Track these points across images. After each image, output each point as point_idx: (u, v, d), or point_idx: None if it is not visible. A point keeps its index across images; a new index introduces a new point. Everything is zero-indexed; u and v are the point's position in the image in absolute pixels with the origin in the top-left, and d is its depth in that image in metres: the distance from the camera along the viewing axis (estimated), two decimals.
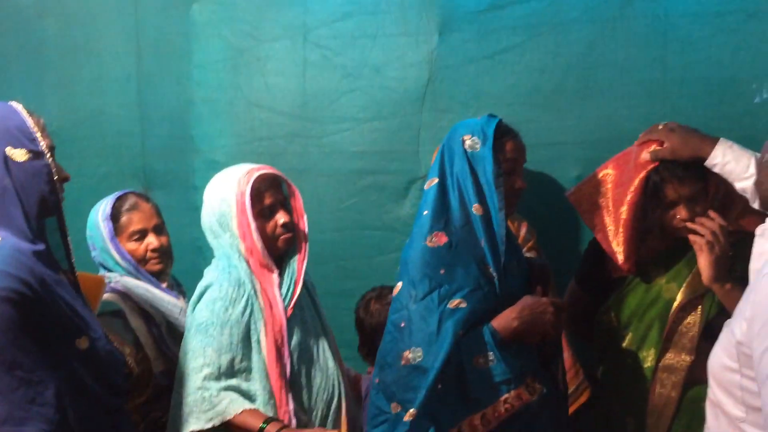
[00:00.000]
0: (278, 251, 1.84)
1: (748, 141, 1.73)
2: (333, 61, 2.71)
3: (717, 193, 1.73)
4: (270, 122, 2.74)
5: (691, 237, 1.67)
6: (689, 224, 1.68)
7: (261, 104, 2.75)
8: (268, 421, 1.66)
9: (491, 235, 1.61)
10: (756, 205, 1.57)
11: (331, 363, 1.86)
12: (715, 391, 1.18)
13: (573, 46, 2.62)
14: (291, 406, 1.73)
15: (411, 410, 1.51)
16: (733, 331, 1.11)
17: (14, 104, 1.50)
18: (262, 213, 1.80)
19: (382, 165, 2.74)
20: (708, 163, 1.65)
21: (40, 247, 1.39)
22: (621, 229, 1.76)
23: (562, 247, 2.42)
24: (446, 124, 2.69)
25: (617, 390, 1.85)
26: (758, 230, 1.26)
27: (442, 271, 1.59)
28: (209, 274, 1.82)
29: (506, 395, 1.55)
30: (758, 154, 1.55)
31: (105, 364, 1.48)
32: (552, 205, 2.40)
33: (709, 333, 1.67)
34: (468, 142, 1.66)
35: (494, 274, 1.61)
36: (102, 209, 2.01)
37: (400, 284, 1.63)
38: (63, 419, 1.32)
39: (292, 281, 1.82)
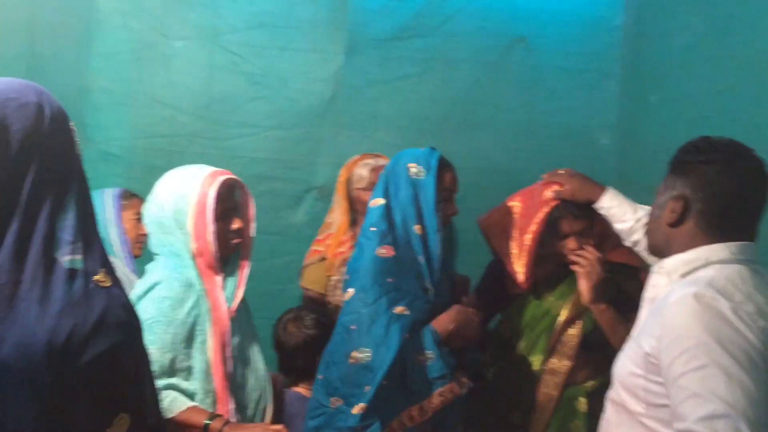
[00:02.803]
0: (225, 254, 1.88)
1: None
2: (241, 68, 2.78)
3: (601, 230, 2.10)
4: (172, 120, 2.73)
5: (575, 266, 2.02)
6: (575, 254, 2.03)
7: (163, 101, 2.73)
8: (212, 417, 1.71)
9: (428, 253, 1.84)
10: (629, 244, 1.96)
11: (261, 365, 1.94)
12: (619, 392, 1.49)
13: (460, 82, 2.94)
14: (232, 405, 1.78)
15: (360, 404, 1.68)
16: (641, 345, 1.43)
17: None
18: (218, 216, 1.81)
19: (280, 172, 2.85)
20: (597, 205, 2.00)
21: None
22: (524, 254, 2.07)
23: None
24: (344, 140, 2.88)
25: (507, 389, 2.15)
26: (655, 267, 1.60)
27: (390, 279, 1.78)
28: (156, 272, 1.81)
29: (441, 389, 1.78)
30: (639, 205, 1.94)
31: None
32: None
33: (586, 343, 2.05)
34: (413, 170, 1.87)
35: (429, 286, 1.84)
36: (111, 193, 2.35)
37: (351, 290, 1.80)
38: None
39: (235, 284, 1.89)
